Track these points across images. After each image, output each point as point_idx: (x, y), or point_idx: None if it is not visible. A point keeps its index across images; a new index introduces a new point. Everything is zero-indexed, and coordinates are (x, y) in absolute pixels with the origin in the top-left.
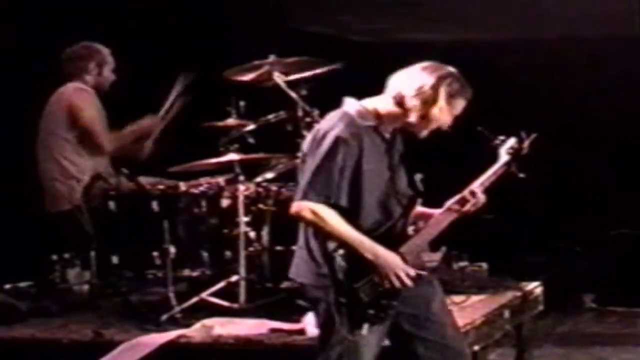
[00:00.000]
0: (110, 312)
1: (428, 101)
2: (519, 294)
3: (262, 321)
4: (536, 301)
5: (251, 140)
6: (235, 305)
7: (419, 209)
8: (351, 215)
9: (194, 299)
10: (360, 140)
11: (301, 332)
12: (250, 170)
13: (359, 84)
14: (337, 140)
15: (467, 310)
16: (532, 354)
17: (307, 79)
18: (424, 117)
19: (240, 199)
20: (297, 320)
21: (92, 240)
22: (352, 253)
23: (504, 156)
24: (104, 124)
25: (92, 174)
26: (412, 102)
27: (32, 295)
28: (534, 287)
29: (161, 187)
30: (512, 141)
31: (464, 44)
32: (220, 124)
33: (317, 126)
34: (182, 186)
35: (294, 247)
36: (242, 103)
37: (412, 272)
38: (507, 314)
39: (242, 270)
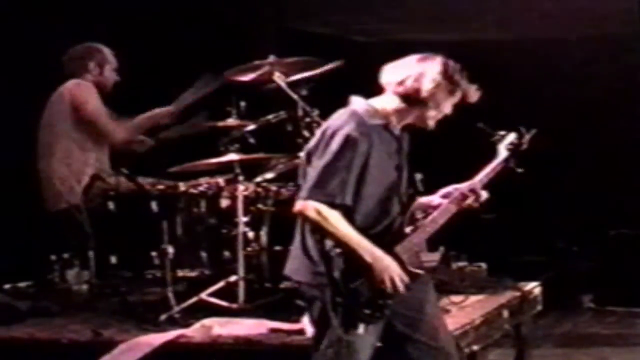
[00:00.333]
0: (109, 312)
1: (441, 88)
2: (518, 294)
3: (261, 321)
4: (535, 301)
5: (251, 140)
6: (234, 306)
7: (420, 200)
8: (351, 211)
9: (193, 299)
10: (370, 139)
11: (300, 332)
12: (250, 170)
13: (359, 84)
14: (347, 139)
15: (466, 310)
16: (531, 354)
17: (307, 79)
18: (437, 105)
19: (240, 199)
20: (297, 320)
21: (91, 240)
22: (350, 253)
23: (503, 152)
24: (107, 115)
25: (92, 174)
26: (427, 91)
27: (32, 295)
28: (533, 287)
29: (160, 187)
30: (511, 137)
31: (463, 44)
32: (221, 124)
33: (325, 124)
34: (182, 186)
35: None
36: (242, 103)
37: (407, 278)
38: (506, 314)
39: (241, 271)
